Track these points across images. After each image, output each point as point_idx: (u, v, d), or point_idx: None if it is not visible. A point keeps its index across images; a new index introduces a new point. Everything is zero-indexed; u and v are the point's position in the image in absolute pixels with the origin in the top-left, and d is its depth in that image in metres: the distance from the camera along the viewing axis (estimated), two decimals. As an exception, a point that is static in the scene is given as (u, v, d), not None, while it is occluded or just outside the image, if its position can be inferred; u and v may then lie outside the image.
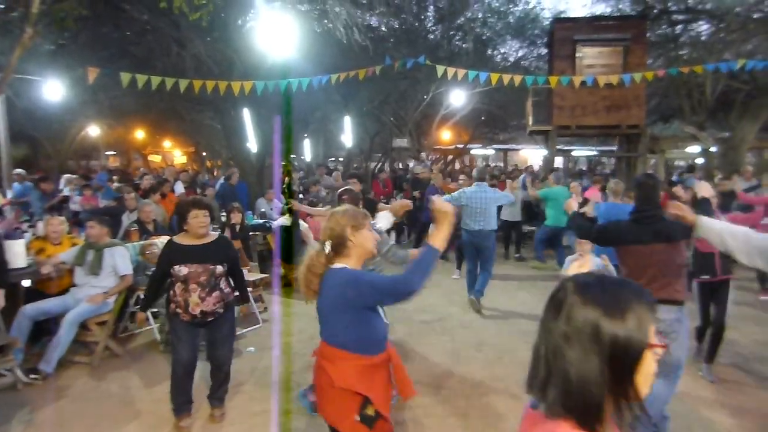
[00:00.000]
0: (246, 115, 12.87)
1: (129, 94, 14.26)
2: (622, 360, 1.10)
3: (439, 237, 2.54)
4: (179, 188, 11.79)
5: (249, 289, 6.99)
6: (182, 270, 4.12)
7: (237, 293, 4.62)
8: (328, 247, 2.68)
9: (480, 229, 7.55)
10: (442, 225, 2.56)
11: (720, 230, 3.00)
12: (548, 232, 10.10)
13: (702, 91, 16.59)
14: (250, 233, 9.15)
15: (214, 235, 4.41)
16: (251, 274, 7.62)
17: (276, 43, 8.77)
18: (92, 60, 9.63)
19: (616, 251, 4.06)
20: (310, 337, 6.50)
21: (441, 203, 2.61)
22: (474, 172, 9.02)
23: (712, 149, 16.38)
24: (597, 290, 1.16)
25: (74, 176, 12.62)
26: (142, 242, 6.73)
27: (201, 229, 4.19)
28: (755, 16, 13.83)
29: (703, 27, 16.67)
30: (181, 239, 4.26)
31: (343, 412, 2.60)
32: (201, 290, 4.14)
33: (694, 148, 19.06)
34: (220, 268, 4.24)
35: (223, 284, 4.30)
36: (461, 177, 11.19)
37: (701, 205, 3.90)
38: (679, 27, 16.76)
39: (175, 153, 31.08)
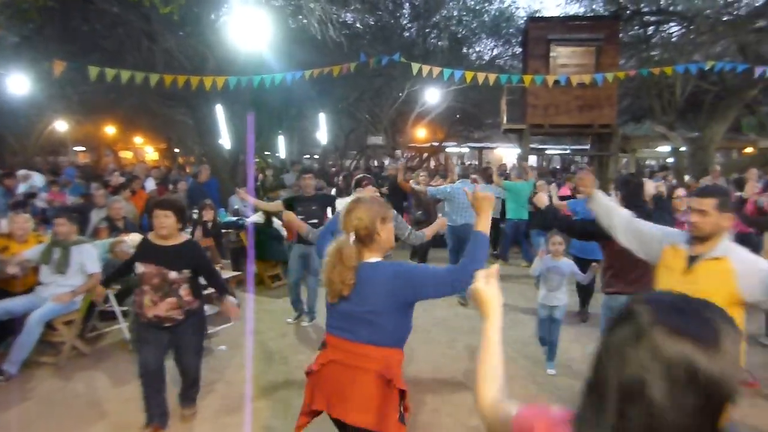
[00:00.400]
0: (219, 111, 12.72)
1: (98, 89, 13.99)
2: (714, 401, 0.92)
3: (484, 223, 2.56)
4: (150, 185, 11.60)
5: (221, 287, 6.93)
6: (139, 268, 4.00)
7: (220, 293, 4.44)
8: (352, 238, 2.52)
9: (465, 223, 7.76)
10: (484, 211, 2.57)
11: (609, 207, 3.32)
12: (511, 226, 10.24)
13: (672, 92, 16.89)
14: (223, 230, 9.05)
15: (183, 237, 4.19)
16: (223, 272, 7.54)
17: (249, 39, 8.68)
18: (59, 53, 9.40)
19: (602, 247, 4.11)
20: (282, 335, 6.46)
21: (481, 192, 2.60)
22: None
23: (682, 149, 16.67)
24: (681, 315, 0.96)
25: (32, 172, 12.24)
26: (111, 239, 6.60)
27: (161, 230, 4.00)
28: (724, 18, 14.10)
29: (674, 29, 16.97)
30: (153, 237, 4.15)
31: (388, 412, 2.47)
32: (153, 293, 3.96)
33: (664, 148, 19.38)
34: (174, 274, 3.99)
35: (182, 291, 4.03)
36: (422, 174, 11.14)
37: (659, 203, 4.16)
38: (651, 28, 17.02)
39: (146, 149, 30.62)
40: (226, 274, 7.43)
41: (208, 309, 6.23)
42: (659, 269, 3.05)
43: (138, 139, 28.96)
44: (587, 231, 4.07)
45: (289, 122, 20.32)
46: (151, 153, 30.73)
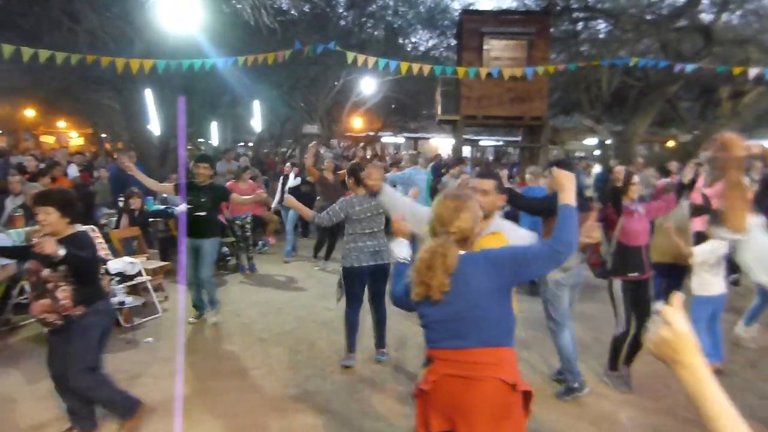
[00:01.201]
0: (148, 95, 12.29)
1: (15, 70, 13.21)
2: None
3: (568, 196, 2.46)
4: (73, 171, 11.12)
5: (148, 277, 6.73)
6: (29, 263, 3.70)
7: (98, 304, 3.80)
8: (453, 239, 2.34)
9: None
10: (566, 187, 2.49)
11: (393, 196, 3.49)
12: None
13: (599, 87, 17.52)
14: (151, 219, 8.79)
15: (74, 230, 3.71)
16: (150, 262, 7.32)
17: (179, 22, 8.42)
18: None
19: (545, 221, 4.57)
20: (211, 325, 6.33)
21: (561, 171, 2.55)
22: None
23: (608, 141, 17.31)
24: None
25: None
26: (28, 228, 6.28)
27: (43, 228, 3.60)
28: (647, 17, 14.71)
29: (601, 25, 17.59)
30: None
31: (519, 420, 2.35)
32: (32, 291, 3.67)
33: (591, 140, 20.06)
34: (47, 272, 3.56)
35: (60, 293, 3.56)
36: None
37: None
38: (579, 24, 17.59)
39: (71, 134, 29.28)
40: (153, 264, 7.22)
41: (133, 300, 6.06)
42: None
43: (61, 124, 27.66)
44: (538, 207, 4.73)
45: (222, 109, 19.89)
46: (75, 138, 29.41)
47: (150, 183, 6.55)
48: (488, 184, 3.12)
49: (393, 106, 24.33)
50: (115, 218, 8.59)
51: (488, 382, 2.28)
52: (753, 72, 10.08)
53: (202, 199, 6.18)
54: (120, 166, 6.81)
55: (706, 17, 15.18)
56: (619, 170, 5.16)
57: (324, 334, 6.08)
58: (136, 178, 6.66)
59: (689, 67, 10.28)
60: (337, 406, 4.44)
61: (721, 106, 17.39)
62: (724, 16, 15.04)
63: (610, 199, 4.86)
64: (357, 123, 25.68)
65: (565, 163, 5.09)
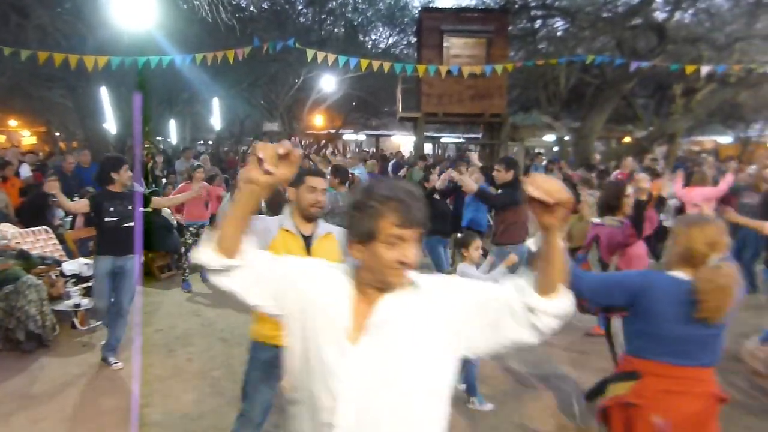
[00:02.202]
0: (103, 93, 12.02)
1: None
2: None
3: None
4: (25, 171, 10.79)
5: (104, 279, 6.57)
6: None
7: None
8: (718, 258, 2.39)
9: None
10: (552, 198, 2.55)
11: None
12: None
13: (557, 84, 17.80)
14: (106, 219, 8.58)
15: None
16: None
17: (134, 19, 8.25)
18: None
19: (504, 211, 5.71)
20: (171, 327, 6.24)
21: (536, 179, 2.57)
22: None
23: (566, 138, 17.63)
24: None
25: None
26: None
27: None
28: (603, 15, 15.01)
29: (558, 23, 17.87)
30: None
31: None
32: None
33: (550, 137, 20.39)
34: None
35: None
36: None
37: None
38: (537, 22, 17.84)
39: (22, 133, 28.37)
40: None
41: (88, 302, 5.93)
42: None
43: (12, 122, 26.79)
44: (501, 201, 5.72)
45: (180, 107, 19.60)
46: (28, 137, 28.52)
47: (67, 205, 5.82)
48: (325, 182, 3.03)
49: (354, 103, 24.30)
50: (69, 219, 8.37)
51: (707, 399, 2.41)
52: (705, 69, 10.42)
53: (129, 207, 5.26)
54: (47, 188, 5.84)
55: (659, 16, 15.60)
56: (643, 178, 4.71)
57: (286, 333, 6.05)
58: (91, 177, 6.44)
59: (644, 65, 10.56)
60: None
61: (675, 102, 17.89)
62: (677, 15, 15.47)
63: (634, 217, 4.11)
64: (318, 120, 25.57)
65: (510, 161, 5.42)
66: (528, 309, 1.47)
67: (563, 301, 1.48)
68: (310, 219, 2.94)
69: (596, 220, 4.54)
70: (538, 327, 1.48)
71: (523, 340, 1.51)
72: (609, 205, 4.36)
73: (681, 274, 2.44)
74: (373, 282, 1.53)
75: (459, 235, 7.05)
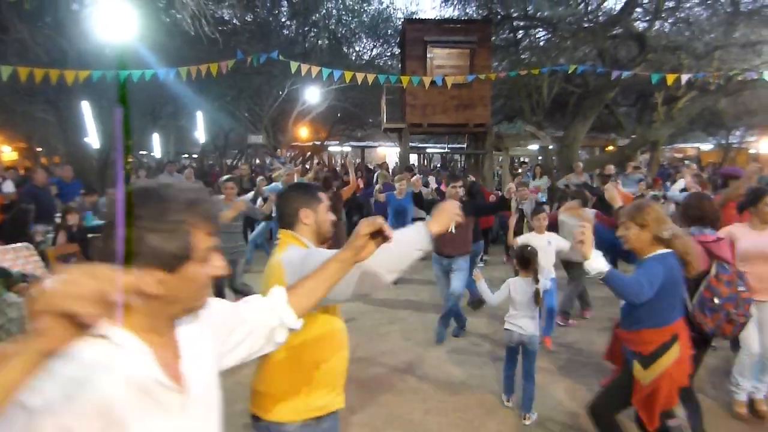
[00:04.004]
0: (85, 107, 11.91)
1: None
2: None
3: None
4: (8, 187, 10.64)
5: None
6: None
7: None
8: None
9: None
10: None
11: None
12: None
13: (540, 93, 17.92)
14: (90, 235, 8.48)
15: None
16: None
17: (116, 32, 8.18)
18: None
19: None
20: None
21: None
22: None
23: (550, 147, 17.72)
24: None
25: None
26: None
27: None
28: (585, 25, 15.14)
29: (541, 33, 18.00)
30: None
31: None
32: None
33: (534, 146, 20.50)
34: None
35: None
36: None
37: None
38: (520, 33, 17.97)
39: (3, 149, 28.03)
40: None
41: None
42: None
43: (-7, 138, 26.46)
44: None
45: (164, 120, 19.50)
46: (8, 153, 28.17)
47: None
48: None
49: (339, 114, 24.31)
50: (51, 235, 8.25)
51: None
52: (685, 77, 10.54)
53: None
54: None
55: (640, 25, 15.73)
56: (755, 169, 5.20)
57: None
58: (73, 191, 6.38)
59: (625, 74, 10.65)
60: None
61: (657, 110, 18.08)
62: (657, 24, 15.62)
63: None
64: (303, 132, 25.53)
65: (453, 176, 5.54)
66: (281, 328, 1.52)
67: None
68: (325, 241, 2.65)
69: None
70: (280, 342, 1.55)
71: (261, 353, 1.55)
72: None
73: (663, 250, 2.98)
74: (166, 316, 1.21)
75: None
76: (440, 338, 5.98)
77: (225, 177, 6.16)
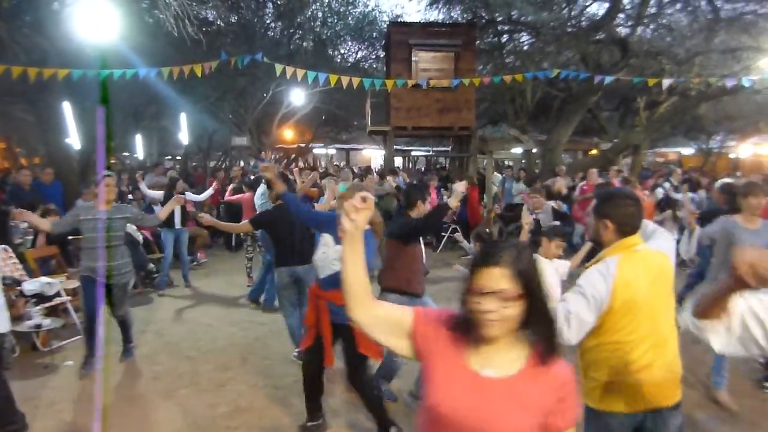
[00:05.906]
0: (66, 107, 11.76)
1: None
2: None
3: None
4: (-13, 189, 10.51)
5: (68, 298, 6.42)
6: None
7: None
8: None
9: None
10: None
11: None
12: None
13: (524, 97, 18.05)
14: (70, 237, 8.37)
15: None
16: (71, 282, 6.97)
17: (98, 32, 8.09)
18: None
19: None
20: (135, 346, 6.07)
21: None
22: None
23: (534, 150, 17.85)
24: None
25: None
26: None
27: None
28: (568, 30, 15.27)
29: (524, 38, 18.14)
30: None
31: None
32: None
33: (518, 150, 20.63)
34: None
35: None
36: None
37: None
38: (504, 37, 18.08)
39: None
40: (73, 284, 6.88)
41: (50, 322, 5.76)
42: None
43: (-30, 138, 26.08)
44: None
45: (147, 121, 19.30)
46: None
47: (42, 227, 5.69)
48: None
49: (324, 117, 24.23)
50: (30, 237, 8.14)
51: None
52: (666, 82, 10.67)
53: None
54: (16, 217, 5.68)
55: (622, 31, 15.91)
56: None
57: (256, 349, 5.96)
58: (53, 193, 6.29)
59: (608, 79, 10.75)
60: (269, 422, 4.34)
61: (639, 115, 18.28)
62: (639, 30, 15.80)
63: None
64: (288, 134, 25.47)
65: (417, 187, 5.27)
66: None
67: None
68: None
69: None
70: None
71: None
72: None
73: None
74: None
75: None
76: None
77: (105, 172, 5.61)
